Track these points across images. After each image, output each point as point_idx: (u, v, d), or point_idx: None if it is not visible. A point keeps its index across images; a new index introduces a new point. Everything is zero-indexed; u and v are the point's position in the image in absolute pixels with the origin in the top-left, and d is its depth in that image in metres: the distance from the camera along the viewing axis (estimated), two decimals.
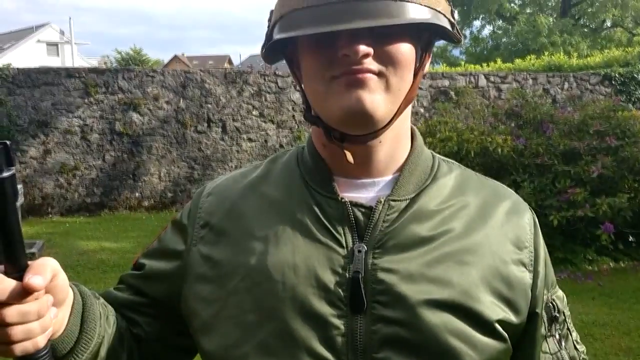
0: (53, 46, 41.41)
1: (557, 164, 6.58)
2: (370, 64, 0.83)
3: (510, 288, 0.90)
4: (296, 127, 11.06)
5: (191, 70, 10.93)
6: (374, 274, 0.85)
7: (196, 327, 0.93)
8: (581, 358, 1.02)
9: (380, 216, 0.89)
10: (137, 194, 10.40)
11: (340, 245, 0.88)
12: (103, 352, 0.92)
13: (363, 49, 0.81)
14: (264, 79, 10.86)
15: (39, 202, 9.83)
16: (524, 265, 0.93)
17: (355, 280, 0.85)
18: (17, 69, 9.75)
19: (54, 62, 35.81)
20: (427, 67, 0.95)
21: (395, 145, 0.94)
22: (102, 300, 0.97)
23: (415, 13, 0.82)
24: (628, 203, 6.11)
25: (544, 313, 0.95)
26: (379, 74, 0.84)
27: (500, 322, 0.87)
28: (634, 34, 28.25)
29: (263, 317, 0.86)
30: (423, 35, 0.91)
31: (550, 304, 0.96)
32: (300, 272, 0.86)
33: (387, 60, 0.84)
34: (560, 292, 1.01)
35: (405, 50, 0.86)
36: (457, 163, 1.04)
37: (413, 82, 0.89)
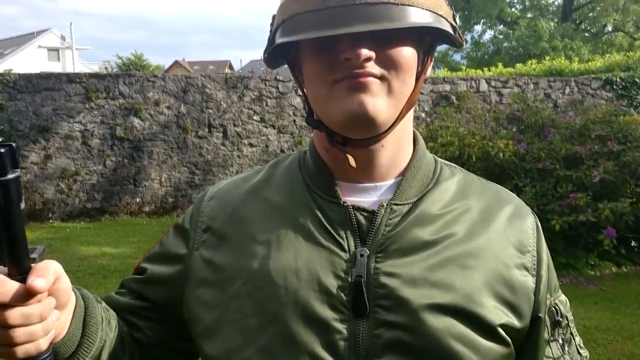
0: (54, 51, 41.54)
1: (558, 168, 6.58)
2: (372, 67, 0.83)
3: (513, 292, 0.89)
4: (297, 132, 11.06)
5: (192, 75, 10.94)
6: (377, 278, 0.85)
7: (198, 331, 0.93)
8: None
9: (383, 220, 0.89)
10: (137, 199, 10.41)
11: (343, 250, 0.88)
12: (105, 356, 0.92)
13: (365, 52, 0.81)
14: (265, 84, 10.87)
15: (40, 208, 9.84)
16: (526, 269, 0.92)
17: (358, 285, 0.85)
18: (18, 74, 9.76)
19: (54, 67, 35.90)
20: (429, 71, 0.95)
21: (397, 149, 0.94)
22: (104, 304, 0.96)
23: (417, 17, 0.82)
24: (630, 208, 6.10)
25: (547, 317, 0.94)
26: (381, 78, 0.84)
27: (503, 326, 0.87)
28: (635, 38, 28.32)
29: (265, 321, 0.85)
30: (425, 39, 0.91)
31: (553, 309, 0.96)
32: (302, 276, 0.86)
33: (389, 63, 0.84)
34: (563, 297, 1.01)
35: (407, 54, 0.85)
36: (459, 167, 1.04)
37: (415, 85, 0.89)
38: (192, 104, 10.49)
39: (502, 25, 30.91)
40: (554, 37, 26.82)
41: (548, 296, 0.95)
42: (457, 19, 0.93)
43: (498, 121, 7.97)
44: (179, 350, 1.05)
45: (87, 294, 0.92)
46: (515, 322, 0.89)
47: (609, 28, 30.18)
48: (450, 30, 0.89)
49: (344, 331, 0.84)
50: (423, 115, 11.55)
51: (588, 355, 1.03)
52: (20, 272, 0.74)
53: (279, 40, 0.88)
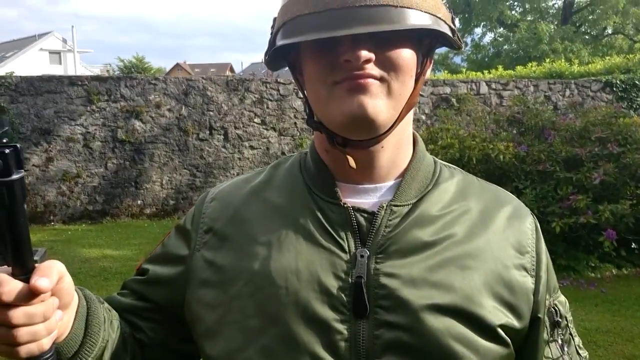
0: (55, 54, 41.59)
1: (559, 170, 6.57)
2: (372, 69, 0.84)
3: (512, 293, 0.90)
4: (298, 134, 11.06)
5: (193, 78, 10.95)
6: (377, 279, 0.86)
7: (200, 332, 0.93)
8: None
9: (383, 221, 0.90)
10: (139, 202, 10.41)
11: (343, 250, 0.88)
12: (107, 356, 0.92)
13: (364, 54, 0.82)
14: (266, 87, 10.88)
15: (41, 210, 9.84)
16: (525, 270, 0.93)
17: (358, 285, 0.85)
18: (20, 77, 9.77)
19: (56, 70, 35.95)
20: (429, 73, 0.96)
21: (397, 150, 0.94)
22: (106, 305, 0.97)
23: (416, 19, 0.83)
24: (630, 210, 6.10)
25: (546, 318, 0.95)
26: (381, 79, 0.85)
27: (502, 326, 0.87)
28: (634, 40, 28.30)
29: (266, 321, 0.86)
30: (424, 41, 0.92)
31: (553, 309, 0.97)
32: (303, 277, 0.87)
33: (389, 65, 0.85)
34: (562, 297, 1.01)
35: (406, 56, 0.86)
36: (458, 168, 1.04)
37: (414, 87, 0.90)
38: (193, 106, 10.50)
39: (502, 28, 30.91)
40: (554, 40, 26.82)
41: (547, 297, 0.96)
42: (456, 22, 0.94)
43: (498, 123, 7.97)
44: (181, 351, 1.05)
45: (90, 295, 0.92)
46: (514, 322, 0.89)
47: (609, 30, 30.17)
48: (449, 33, 0.89)
49: (345, 332, 0.85)
50: (423, 117, 11.55)
51: (587, 356, 1.03)
52: (24, 272, 0.75)
53: (279, 42, 0.89)
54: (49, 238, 8.66)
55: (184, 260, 0.98)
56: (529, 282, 0.92)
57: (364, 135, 0.88)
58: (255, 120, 10.84)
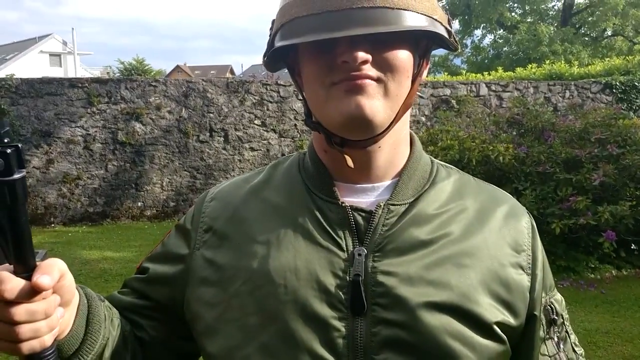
0: (56, 57, 41.62)
1: (558, 172, 6.58)
2: (369, 70, 0.85)
3: (509, 291, 0.91)
4: (298, 136, 11.07)
5: (193, 79, 10.95)
6: (374, 277, 0.87)
7: (199, 330, 0.94)
8: None
9: (380, 220, 0.91)
10: (139, 204, 10.41)
11: (341, 249, 0.89)
12: (107, 353, 0.93)
13: (361, 55, 0.83)
14: (266, 88, 10.89)
15: (42, 212, 9.85)
16: (522, 268, 0.94)
17: (356, 283, 0.86)
18: (20, 79, 9.77)
19: (56, 72, 35.97)
20: (425, 74, 0.97)
21: (394, 150, 0.96)
22: (106, 303, 0.98)
23: (412, 21, 0.84)
24: (630, 211, 6.10)
25: (542, 316, 0.96)
26: (378, 80, 0.86)
27: (498, 324, 0.88)
28: (634, 42, 28.29)
29: (265, 319, 0.87)
30: (420, 43, 0.93)
31: (549, 307, 0.98)
32: (301, 275, 0.88)
33: (386, 66, 0.86)
34: (558, 296, 1.02)
35: (402, 57, 0.87)
36: (455, 168, 1.05)
37: (411, 88, 0.91)
38: (193, 108, 10.51)
39: (502, 30, 30.91)
40: (553, 42, 26.82)
41: (543, 295, 0.97)
42: (452, 23, 0.95)
43: (498, 125, 7.97)
44: (181, 349, 1.06)
45: (91, 293, 0.93)
46: (510, 320, 0.90)
47: (609, 32, 30.16)
48: (445, 34, 0.91)
49: (342, 329, 0.86)
50: (423, 119, 11.56)
51: (583, 353, 1.04)
52: (25, 269, 0.76)
53: (278, 43, 0.90)
54: (50, 240, 8.66)
55: (184, 259, 0.99)
56: (525, 280, 0.93)
57: (362, 135, 0.89)
58: (256, 122, 10.85)
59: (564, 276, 6.36)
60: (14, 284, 0.74)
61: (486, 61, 30.26)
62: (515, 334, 0.92)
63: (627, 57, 14.93)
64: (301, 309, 0.86)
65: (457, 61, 32.18)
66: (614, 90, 12.36)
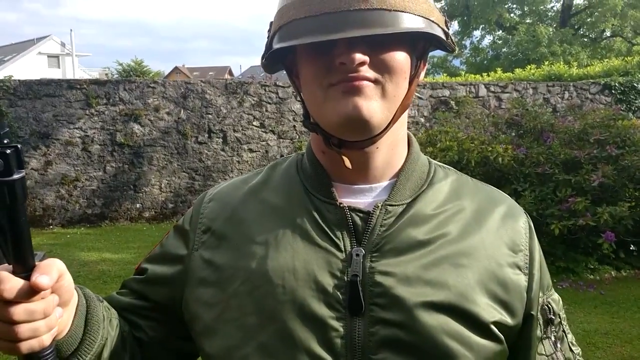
0: (54, 58, 41.59)
1: (557, 173, 6.58)
2: (367, 71, 0.85)
3: (506, 290, 0.91)
4: (297, 137, 11.08)
5: (192, 81, 10.96)
6: (372, 277, 0.87)
7: (198, 330, 0.95)
8: (576, 359, 1.03)
9: (378, 221, 0.91)
10: (138, 205, 10.41)
11: (339, 249, 0.90)
12: (106, 354, 0.93)
13: (359, 57, 0.83)
14: (265, 90, 10.89)
15: (40, 214, 9.85)
16: (519, 268, 0.94)
17: (354, 283, 0.87)
18: (19, 80, 9.77)
19: (55, 74, 35.96)
20: (423, 75, 0.98)
21: (391, 151, 0.96)
22: (105, 303, 0.98)
23: (410, 22, 0.85)
24: (629, 212, 6.11)
25: (539, 315, 0.96)
26: (375, 82, 0.86)
27: (496, 323, 0.89)
28: (633, 43, 28.32)
29: (264, 319, 0.87)
30: (418, 44, 0.93)
31: (546, 307, 0.98)
32: (299, 275, 0.88)
33: (383, 68, 0.87)
34: (556, 295, 1.03)
35: (400, 58, 0.88)
36: (453, 169, 1.06)
37: (408, 89, 0.92)
38: (192, 109, 10.51)
39: (501, 31, 30.95)
40: (552, 42, 26.86)
41: (541, 294, 0.97)
42: (450, 25, 0.96)
43: (497, 126, 7.99)
44: (180, 349, 1.06)
45: (89, 293, 0.94)
46: (508, 319, 0.91)
47: (607, 33, 30.22)
48: (442, 36, 0.91)
49: (340, 329, 0.86)
50: (422, 120, 11.57)
51: (580, 352, 1.05)
52: (24, 269, 0.76)
53: (276, 45, 0.90)
54: (48, 242, 8.66)
55: (183, 260, 0.99)
56: (522, 280, 0.94)
57: (359, 136, 0.89)
58: (254, 123, 10.86)
59: (563, 277, 6.37)
60: (13, 284, 0.74)
61: (485, 62, 30.32)
62: (513, 333, 0.93)
63: (626, 58, 14.96)
64: (299, 309, 0.87)
65: (456, 62, 32.29)
66: (612, 91, 12.39)
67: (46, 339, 0.78)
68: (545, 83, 12.55)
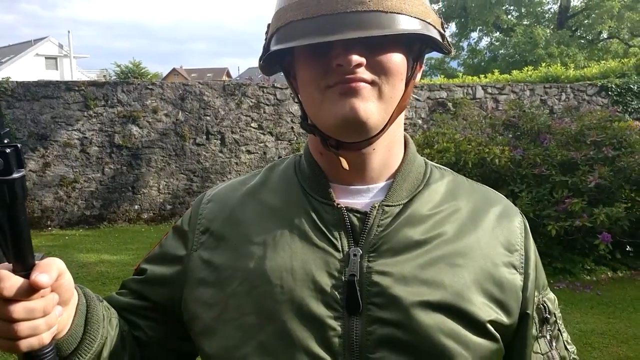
0: (52, 60, 41.49)
1: (554, 174, 6.60)
2: (363, 73, 0.86)
3: (502, 290, 0.92)
4: (295, 138, 11.09)
5: (190, 82, 10.96)
6: (369, 277, 0.88)
7: (197, 330, 0.95)
8: (571, 358, 1.04)
9: (375, 221, 0.92)
10: (136, 207, 10.41)
11: (337, 250, 0.91)
12: (105, 353, 0.94)
13: (356, 58, 0.84)
14: (263, 91, 10.90)
15: (39, 215, 9.84)
16: (514, 267, 0.95)
17: (351, 283, 0.87)
18: (17, 82, 9.76)
19: (52, 75, 35.91)
20: (419, 77, 0.99)
21: (388, 152, 0.97)
22: (105, 303, 0.99)
23: (406, 24, 0.86)
24: (625, 213, 6.13)
25: (535, 314, 0.97)
26: (372, 83, 0.87)
27: (492, 322, 0.90)
28: (630, 45, 28.38)
29: (262, 319, 0.88)
30: (414, 46, 0.94)
31: (542, 306, 0.99)
32: (297, 275, 0.89)
33: (380, 69, 0.88)
34: (551, 294, 1.04)
35: (396, 60, 0.89)
36: (449, 169, 1.07)
37: (405, 90, 0.93)
38: (190, 111, 10.52)
39: (498, 32, 30.97)
40: (549, 44, 26.89)
41: (536, 294, 0.98)
42: (446, 27, 0.97)
43: (494, 127, 8.00)
44: (179, 349, 1.07)
45: (89, 293, 0.94)
46: (503, 318, 0.92)
47: (604, 35, 30.22)
48: (439, 38, 0.92)
49: (338, 328, 0.87)
50: (420, 121, 11.58)
51: (575, 351, 1.06)
52: (24, 268, 0.77)
53: (273, 47, 0.91)
54: (47, 243, 8.65)
55: (182, 260, 1.00)
56: (517, 279, 0.95)
57: (356, 137, 0.90)
58: (252, 124, 10.86)
59: (560, 278, 6.38)
60: (13, 282, 0.75)
61: (482, 64, 30.34)
62: (508, 332, 0.94)
63: (622, 60, 14.98)
64: (297, 309, 0.87)
65: (454, 64, 32.31)
66: (609, 93, 12.42)
67: (46, 338, 0.78)
68: (542, 85, 12.58)
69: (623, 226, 6.22)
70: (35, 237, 9.09)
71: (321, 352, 0.86)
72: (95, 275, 6.87)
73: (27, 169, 9.63)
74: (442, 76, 24.05)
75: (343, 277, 0.88)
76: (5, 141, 0.73)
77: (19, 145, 0.73)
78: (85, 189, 10.12)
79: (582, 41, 30.19)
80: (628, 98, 12.45)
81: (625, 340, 4.79)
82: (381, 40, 0.86)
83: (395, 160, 0.99)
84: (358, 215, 0.93)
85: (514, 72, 15.49)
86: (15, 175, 0.73)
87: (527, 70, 15.00)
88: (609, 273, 6.73)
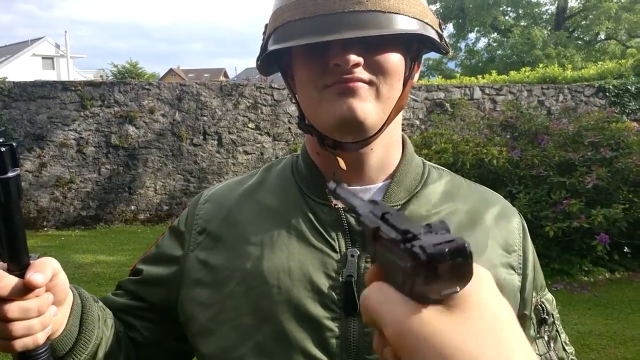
0: (48, 60, 41.42)
1: (552, 175, 6.60)
2: (361, 73, 0.86)
3: (499, 291, 0.91)
4: (292, 139, 11.08)
5: (187, 83, 10.95)
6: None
7: (194, 331, 0.95)
8: (570, 359, 1.03)
9: None
10: (132, 207, 10.39)
11: (334, 250, 0.90)
12: (101, 354, 0.93)
13: (353, 58, 0.84)
14: (260, 92, 10.89)
15: (35, 216, 9.81)
16: (512, 268, 0.95)
17: (349, 284, 0.87)
18: (13, 82, 9.74)
19: (49, 75, 35.85)
20: (417, 77, 0.98)
21: (386, 152, 0.96)
22: (100, 303, 0.98)
23: (404, 24, 0.85)
24: (623, 214, 6.13)
25: (533, 315, 0.97)
26: (370, 83, 0.87)
27: None
28: (627, 46, 28.42)
29: (259, 319, 0.88)
30: (412, 46, 0.93)
31: (540, 307, 0.99)
32: (295, 276, 0.89)
33: (377, 69, 0.87)
34: (549, 295, 1.03)
35: (394, 60, 0.88)
36: (447, 170, 1.06)
37: (403, 90, 0.92)
38: (187, 111, 10.50)
39: (495, 33, 31.01)
40: (547, 45, 26.93)
41: (534, 294, 0.98)
42: (444, 27, 0.96)
43: (492, 128, 8.01)
44: (175, 350, 1.06)
45: (85, 293, 0.94)
46: None
47: (602, 36, 30.29)
48: (436, 38, 0.91)
49: (335, 329, 0.86)
50: (417, 122, 11.59)
51: (573, 352, 1.05)
52: (19, 267, 0.76)
53: (271, 47, 0.91)
54: (42, 244, 8.63)
55: (178, 261, 0.99)
56: (515, 280, 0.94)
57: (354, 137, 0.90)
58: (249, 125, 10.85)
59: (558, 279, 6.38)
60: (7, 281, 0.75)
61: (480, 64, 30.37)
62: None
63: (620, 61, 15.01)
64: (295, 309, 0.87)
65: (451, 64, 32.32)
66: (607, 94, 12.44)
67: (40, 337, 0.78)
68: (539, 85, 12.59)
69: (621, 227, 6.22)
70: (31, 237, 9.07)
71: (318, 353, 0.85)
72: (91, 276, 6.86)
73: (23, 169, 9.61)
74: (440, 77, 24.06)
75: (340, 278, 0.88)
76: (1, 140, 0.73)
77: (14, 144, 0.73)
78: (81, 189, 10.10)
79: (580, 42, 30.26)
80: (625, 99, 12.47)
81: (622, 342, 4.79)
82: (379, 40, 0.85)
83: (393, 161, 0.98)
84: (355, 215, 0.92)
85: (512, 73, 15.51)
86: (10, 174, 0.73)
87: (525, 71, 15.01)
88: (606, 274, 6.73)
